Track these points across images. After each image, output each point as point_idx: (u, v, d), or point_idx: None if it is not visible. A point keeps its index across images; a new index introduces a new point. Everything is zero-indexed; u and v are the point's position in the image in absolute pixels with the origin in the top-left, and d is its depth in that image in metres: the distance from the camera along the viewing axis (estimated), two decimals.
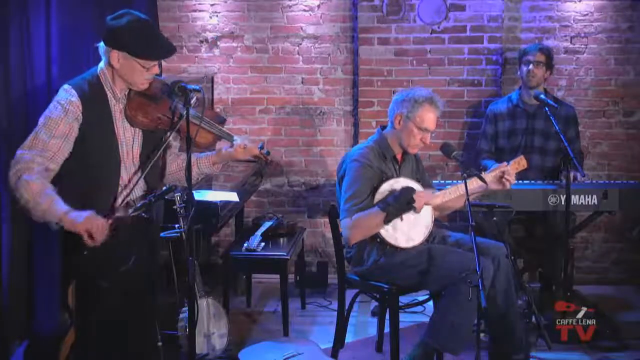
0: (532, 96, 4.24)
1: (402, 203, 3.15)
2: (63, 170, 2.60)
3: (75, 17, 3.43)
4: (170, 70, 4.88)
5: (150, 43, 2.65)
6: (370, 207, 3.20)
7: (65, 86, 2.62)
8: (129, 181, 2.72)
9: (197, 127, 2.70)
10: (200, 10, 4.90)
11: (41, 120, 2.57)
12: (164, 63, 4.88)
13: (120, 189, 2.71)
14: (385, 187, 3.24)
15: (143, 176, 2.73)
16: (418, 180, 3.39)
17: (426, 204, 3.22)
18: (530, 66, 4.24)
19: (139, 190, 2.78)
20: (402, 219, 3.21)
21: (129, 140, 2.72)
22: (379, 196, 3.22)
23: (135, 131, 2.74)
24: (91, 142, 2.62)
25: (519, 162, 3.40)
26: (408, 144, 3.35)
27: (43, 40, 3.24)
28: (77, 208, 2.55)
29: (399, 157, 3.44)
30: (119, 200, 2.71)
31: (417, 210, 3.19)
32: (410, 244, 3.24)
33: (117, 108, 2.69)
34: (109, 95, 2.67)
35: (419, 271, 3.23)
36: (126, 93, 2.71)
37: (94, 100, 2.63)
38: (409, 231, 3.24)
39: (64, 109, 2.57)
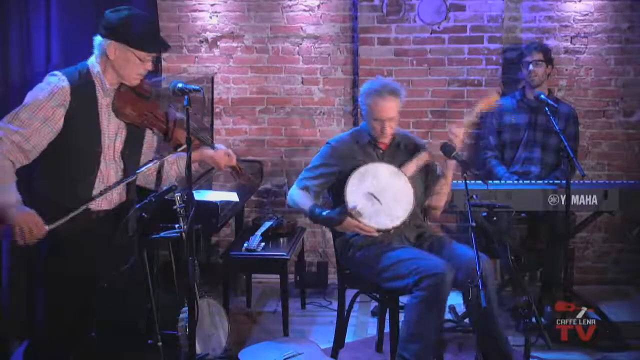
0: (533, 93, 4.31)
1: (327, 222, 3.29)
2: (43, 156, 2.59)
3: (74, 16, 3.44)
4: (170, 70, 4.88)
5: (149, 36, 2.67)
6: (318, 183, 3.37)
7: (56, 72, 2.61)
8: (108, 177, 2.72)
9: (182, 131, 2.71)
10: (200, 10, 4.90)
11: (26, 100, 2.55)
12: (164, 63, 4.89)
13: (97, 182, 2.69)
14: (356, 175, 3.26)
15: (128, 180, 2.75)
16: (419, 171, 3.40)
17: (358, 227, 3.21)
18: (530, 67, 4.32)
19: (115, 193, 2.76)
20: (381, 203, 3.22)
21: (111, 135, 2.72)
22: (351, 179, 3.24)
23: (119, 127, 2.73)
24: (74, 131, 2.61)
25: (489, 100, 3.45)
26: (375, 135, 3.41)
27: (43, 39, 3.25)
28: (52, 196, 2.58)
29: (382, 145, 3.43)
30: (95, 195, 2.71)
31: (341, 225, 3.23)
32: (396, 222, 3.23)
33: (104, 101, 2.69)
34: (98, 87, 2.67)
35: (375, 272, 3.23)
36: (115, 88, 2.71)
37: (83, 90, 2.62)
38: (391, 210, 3.23)
39: (51, 93, 2.55)
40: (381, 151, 3.43)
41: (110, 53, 2.63)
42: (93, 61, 2.68)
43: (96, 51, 2.68)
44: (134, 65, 2.66)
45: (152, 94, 2.78)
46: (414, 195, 3.28)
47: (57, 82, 2.58)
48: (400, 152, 3.47)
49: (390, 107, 3.35)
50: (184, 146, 2.69)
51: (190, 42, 4.92)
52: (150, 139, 2.90)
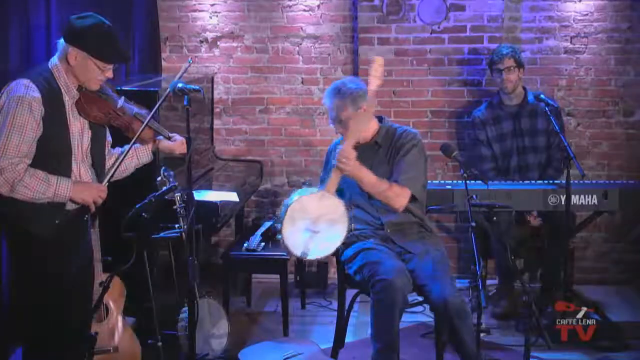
0: (512, 98, 4.31)
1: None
2: None
3: None
4: (170, 70, 4.87)
5: (110, 47, 2.70)
6: None
7: (24, 81, 2.60)
8: (80, 177, 2.75)
9: (140, 124, 2.82)
10: (200, 10, 4.90)
11: (7, 120, 2.54)
12: (164, 63, 4.89)
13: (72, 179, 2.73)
14: (286, 222, 3.12)
15: (111, 175, 2.81)
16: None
17: None
18: (503, 74, 4.26)
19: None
20: (320, 231, 3.10)
21: (78, 134, 2.75)
22: (284, 229, 3.12)
23: (83, 126, 2.76)
24: (47, 136, 2.62)
25: (376, 67, 3.29)
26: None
27: (43, 39, 3.25)
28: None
29: (361, 144, 3.35)
30: None
31: None
32: (339, 241, 3.16)
33: (69, 103, 2.71)
34: (63, 91, 2.69)
35: (354, 272, 3.30)
36: (76, 88, 2.73)
37: (51, 96, 2.64)
38: (330, 232, 3.13)
39: (30, 108, 2.56)
40: (358, 151, 3.33)
41: (71, 59, 2.65)
42: (56, 63, 2.69)
43: (58, 53, 2.69)
44: (94, 73, 2.70)
45: (106, 90, 2.82)
46: (343, 206, 3.17)
47: (30, 93, 2.57)
48: (381, 149, 3.40)
49: (332, 108, 3.32)
50: (137, 136, 2.80)
51: (190, 42, 4.92)
52: (107, 136, 2.95)
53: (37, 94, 2.58)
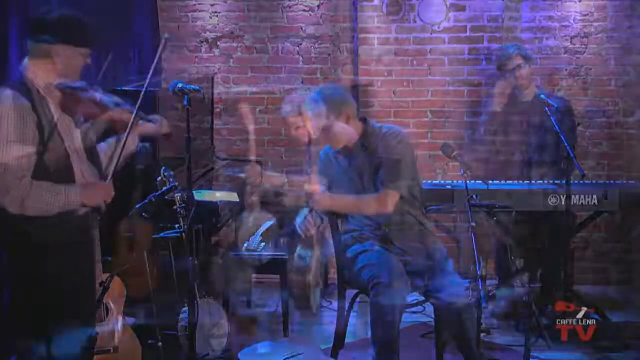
0: (525, 94, 4.28)
1: None
2: None
3: None
4: (170, 70, 4.87)
5: (88, 30, 2.65)
6: None
7: (8, 92, 2.52)
8: (83, 177, 2.70)
9: (122, 112, 2.76)
10: (200, 10, 4.90)
11: (2, 134, 2.47)
12: (163, 63, 4.88)
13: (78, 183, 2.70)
14: None
15: (113, 171, 2.75)
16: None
17: None
18: (515, 73, 4.24)
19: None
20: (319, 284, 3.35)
21: (68, 135, 2.70)
22: None
23: (70, 125, 2.71)
24: (42, 142, 2.57)
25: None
26: None
27: None
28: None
29: (346, 150, 3.37)
30: None
31: None
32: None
33: (52, 105, 2.67)
34: (42, 92, 2.62)
35: (353, 273, 3.33)
36: (54, 86, 2.65)
37: (36, 99, 2.58)
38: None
39: (22, 117, 2.50)
40: (347, 155, 3.37)
41: (56, 56, 2.58)
42: (29, 66, 2.61)
43: (32, 56, 2.61)
44: (79, 63, 2.65)
45: (85, 85, 2.79)
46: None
47: (18, 101, 2.51)
48: (367, 150, 3.33)
49: (315, 115, 3.33)
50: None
51: (190, 42, 4.92)
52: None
53: (25, 102, 2.52)
